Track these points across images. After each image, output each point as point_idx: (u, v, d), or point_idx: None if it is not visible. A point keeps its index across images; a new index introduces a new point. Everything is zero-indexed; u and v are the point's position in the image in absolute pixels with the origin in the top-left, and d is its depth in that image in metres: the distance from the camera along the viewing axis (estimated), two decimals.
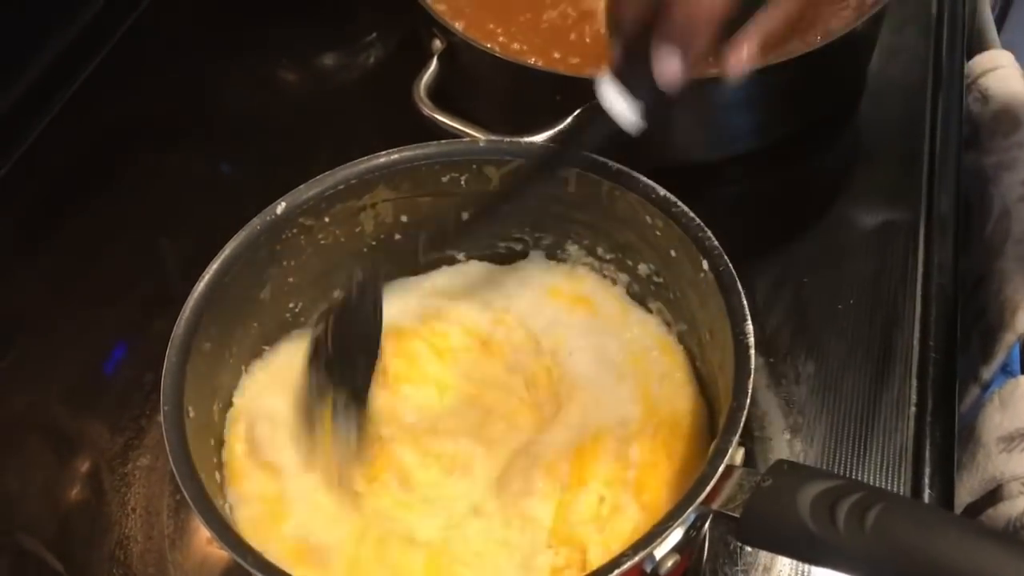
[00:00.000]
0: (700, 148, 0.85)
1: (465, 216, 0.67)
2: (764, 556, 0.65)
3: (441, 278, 0.73)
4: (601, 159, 0.64)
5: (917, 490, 0.67)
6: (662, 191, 0.62)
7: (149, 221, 0.90)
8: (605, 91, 0.58)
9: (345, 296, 0.65)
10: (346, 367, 0.61)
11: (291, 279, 0.68)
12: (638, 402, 0.63)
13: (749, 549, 0.65)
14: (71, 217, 0.91)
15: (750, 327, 0.55)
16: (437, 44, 0.85)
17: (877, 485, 0.67)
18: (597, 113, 0.58)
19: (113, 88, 1.02)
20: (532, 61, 0.85)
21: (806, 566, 0.64)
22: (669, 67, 0.55)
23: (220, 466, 0.63)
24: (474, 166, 0.67)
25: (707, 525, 0.56)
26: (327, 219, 0.67)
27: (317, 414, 0.61)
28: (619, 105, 0.57)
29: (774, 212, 0.86)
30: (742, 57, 0.57)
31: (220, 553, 0.68)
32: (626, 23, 0.57)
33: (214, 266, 0.61)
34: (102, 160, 0.96)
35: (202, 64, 1.05)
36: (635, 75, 0.56)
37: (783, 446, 0.70)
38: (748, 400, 0.53)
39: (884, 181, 0.88)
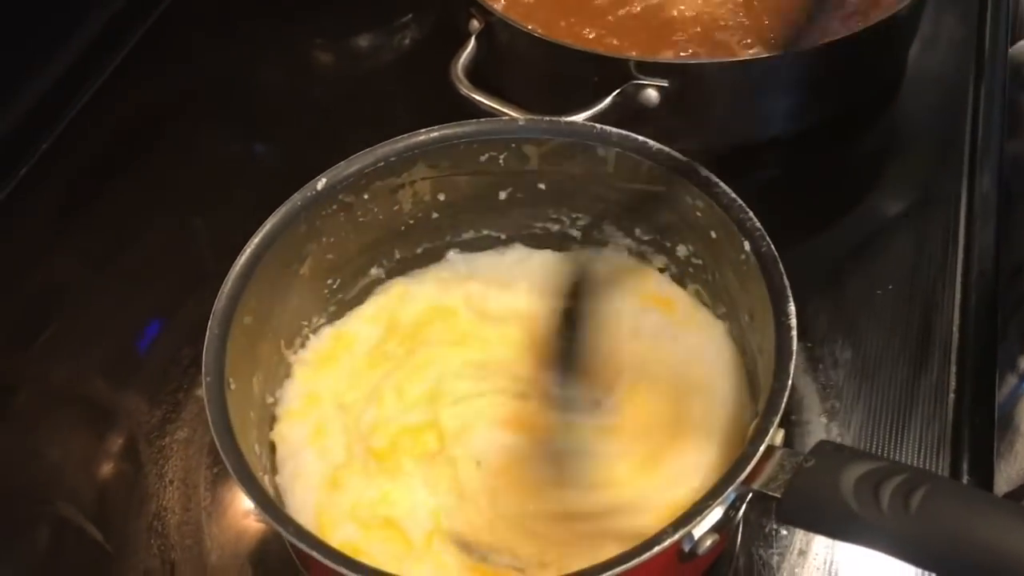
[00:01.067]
0: (737, 132, 0.85)
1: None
2: (800, 539, 0.64)
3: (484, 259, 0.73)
4: (642, 138, 0.64)
5: (956, 477, 0.66)
6: (704, 171, 0.62)
7: (184, 201, 0.91)
8: None
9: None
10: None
11: (330, 256, 0.68)
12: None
13: (784, 532, 0.65)
14: (107, 196, 0.92)
15: (792, 308, 0.55)
16: (475, 24, 0.85)
17: None
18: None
19: (149, 69, 1.03)
20: (570, 41, 0.84)
21: (841, 549, 0.64)
22: None
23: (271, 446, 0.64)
24: (513, 144, 0.67)
25: (744, 507, 0.56)
26: (366, 196, 0.67)
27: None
28: None
29: (811, 197, 0.85)
30: None
31: (257, 525, 0.68)
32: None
33: (255, 240, 0.61)
34: (138, 140, 0.97)
35: (238, 45, 1.06)
36: None
37: (820, 431, 0.69)
38: (790, 380, 0.53)
39: (923, 167, 0.88)
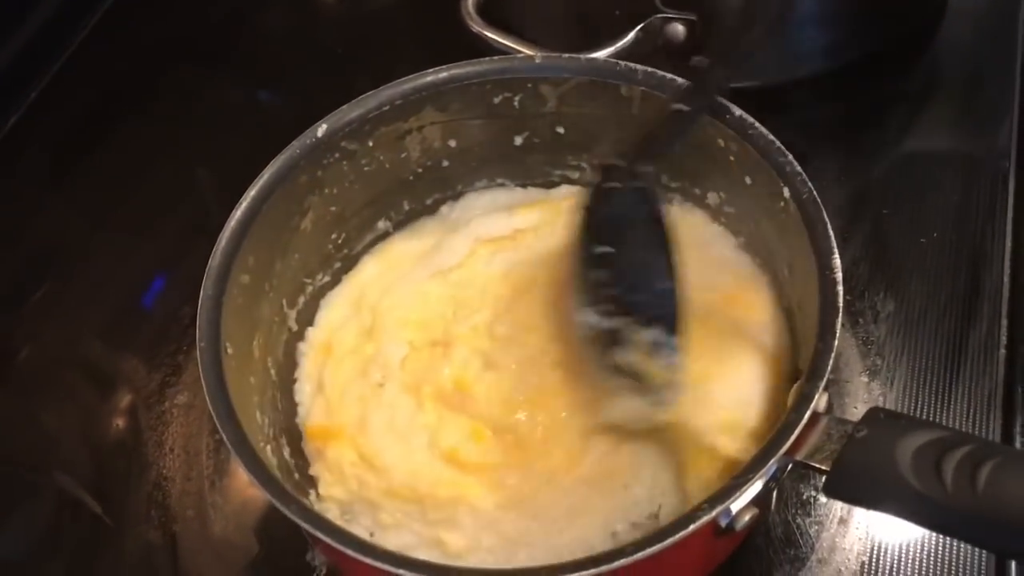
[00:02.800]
0: (770, 70, 0.79)
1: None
2: (839, 508, 0.60)
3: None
4: (669, 75, 0.59)
5: (1008, 438, 0.62)
6: (738, 111, 0.57)
7: (186, 150, 0.87)
8: None
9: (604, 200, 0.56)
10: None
11: (333, 208, 0.63)
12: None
13: (823, 500, 0.60)
14: (105, 146, 0.88)
15: (837, 261, 0.50)
16: None
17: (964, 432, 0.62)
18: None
19: (145, 13, 0.98)
20: None
21: (883, 520, 0.59)
22: None
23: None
24: (529, 85, 0.62)
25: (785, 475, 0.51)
26: (371, 143, 0.62)
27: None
28: None
29: (847, 139, 0.80)
30: None
31: (260, 494, 0.64)
32: None
33: (251, 193, 0.57)
34: (136, 87, 0.93)
35: None
36: None
37: (860, 389, 0.65)
38: (836, 342, 0.48)
39: (968, 107, 0.82)
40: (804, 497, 0.61)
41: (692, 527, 0.44)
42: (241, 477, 0.66)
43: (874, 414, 0.45)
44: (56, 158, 0.88)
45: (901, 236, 0.72)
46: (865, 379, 0.65)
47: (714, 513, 0.45)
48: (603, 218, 0.55)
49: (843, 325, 0.67)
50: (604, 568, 0.44)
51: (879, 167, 0.77)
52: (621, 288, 0.53)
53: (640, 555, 0.44)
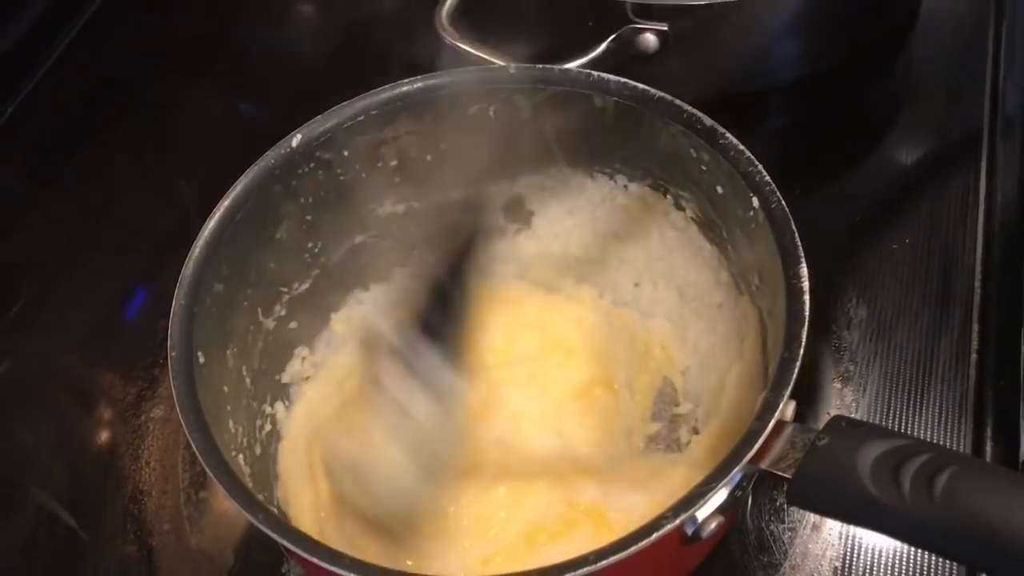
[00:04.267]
0: (742, 79, 0.80)
1: None
2: (812, 515, 0.60)
3: None
4: (641, 86, 0.59)
5: (979, 443, 0.62)
6: (708, 121, 0.57)
7: (165, 161, 0.87)
8: None
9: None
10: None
11: (309, 217, 0.63)
12: None
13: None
14: (84, 158, 0.88)
15: (804, 270, 0.51)
16: None
17: (935, 438, 0.63)
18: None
19: (121, 24, 0.98)
20: None
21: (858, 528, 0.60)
22: None
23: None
24: (503, 95, 0.62)
25: (750, 485, 0.52)
26: (346, 152, 0.62)
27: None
28: None
29: (821, 146, 0.80)
30: None
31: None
32: None
33: (225, 203, 0.57)
34: (115, 97, 0.93)
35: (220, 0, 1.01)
36: None
37: (833, 396, 0.65)
38: (802, 350, 0.48)
39: (940, 114, 0.83)
40: (777, 503, 0.61)
41: (656, 535, 0.44)
42: (217, 490, 0.65)
43: (836, 422, 0.45)
44: (34, 171, 0.88)
45: (873, 242, 0.73)
46: (838, 385, 0.66)
47: (678, 521, 0.45)
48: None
49: (815, 331, 0.67)
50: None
51: (851, 174, 0.78)
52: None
53: (604, 563, 0.44)
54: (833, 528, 0.60)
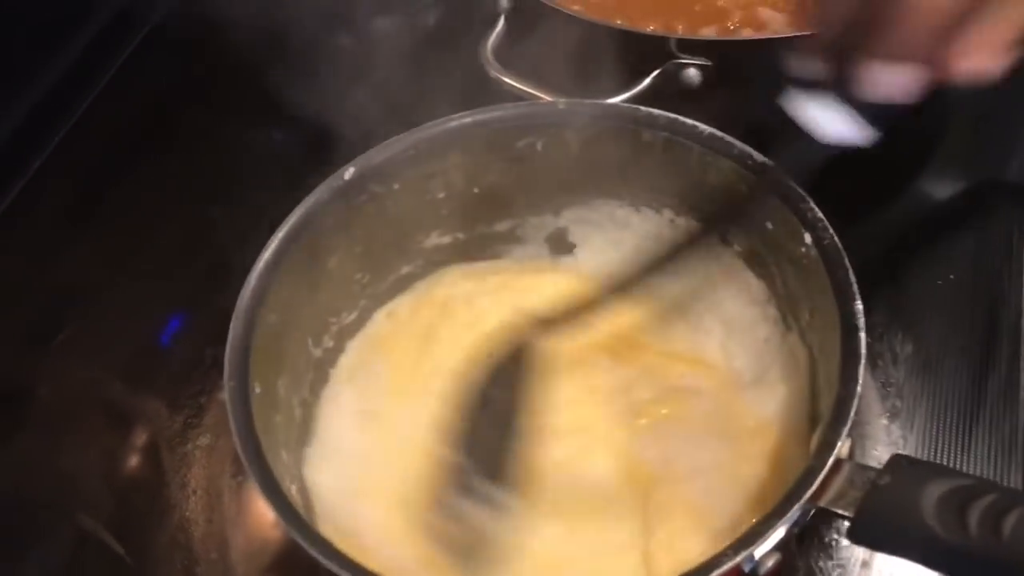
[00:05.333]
0: (783, 113, 0.80)
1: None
2: (861, 552, 0.60)
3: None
4: (691, 122, 0.60)
5: None
6: (759, 156, 0.57)
7: (203, 193, 0.87)
8: (806, 108, 0.49)
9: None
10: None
11: (359, 248, 0.64)
12: None
13: (845, 543, 0.60)
14: (123, 190, 0.89)
15: (859, 307, 0.51)
16: (504, 2, 0.80)
17: (984, 475, 0.62)
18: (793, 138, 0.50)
19: (163, 57, 1.00)
20: (607, 19, 0.80)
21: (908, 565, 0.59)
22: (893, 79, 0.47)
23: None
24: (552, 129, 0.63)
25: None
26: (396, 185, 0.63)
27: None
28: (832, 122, 0.49)
29: (862, 181, 0.79)
30: (976, 62, 0.45)
31: (284, 536, 0.65)
32: (833, 26, 0.47)
33: (280, 233, 0.58)
34: (154, 131, 0.94)
35: (255, 31, 1.02)
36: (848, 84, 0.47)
37: (880, 432, 0.65)
38: (859, 388, 0.48)
39: (983, 147, 0.83)
40: (826, 540, 0.61)
41: (716, 573, 0.45)
42: (263, 519, 0.66)
43: (897, 461, 0.45)
44: (77, 202, 0.89)
45: (918, 278, 0.72)
46: (885, 422, 0.66)
47: (738, 559, 0.45)
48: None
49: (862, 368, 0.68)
50: None
51: (894, 209, 0.78)
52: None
53: None
54: (883, 567, 0.59)
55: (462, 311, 0.67)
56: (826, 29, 0.48)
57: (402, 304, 0.68)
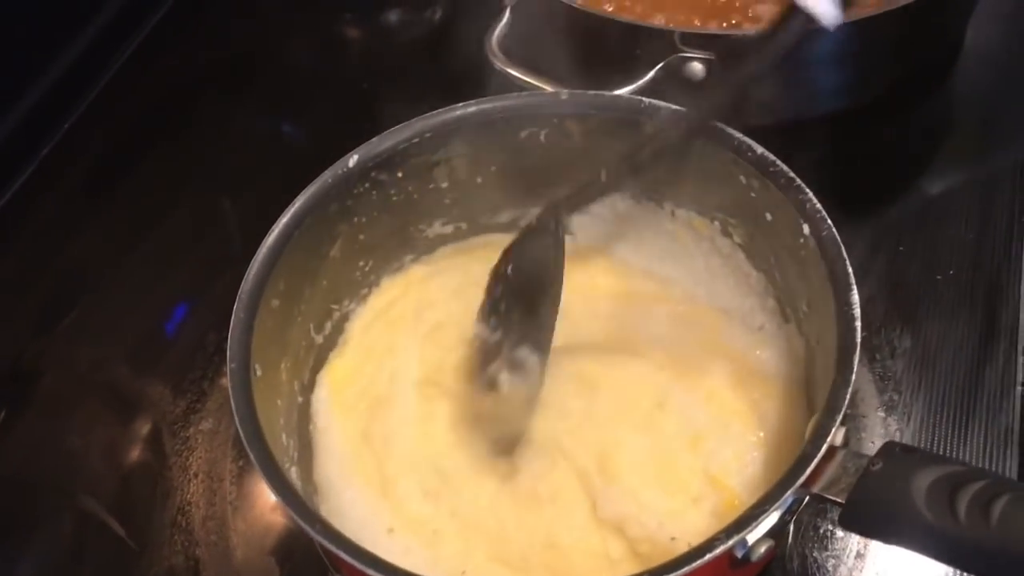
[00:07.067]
0: (785, 108, 0.80)
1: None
2: (856, 542, 0.61)
3: None
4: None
5: None
6: (759, 148, 0.58)
7: (210, 181, 0.88)
8: None
9: (524, 234, 0.61)
10: (526, 315, 0.59)
11: (362, 236, 0.65)
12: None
13: (840, 534, 0.61)
14: (131, 177, 0.90)
15: (856, 297, 0.51)
16: None
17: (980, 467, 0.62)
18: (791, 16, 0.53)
19: (173, 46, 1.01)
20: (610, 10, 0.80)
21: (901, 554, 0.59)
22: None
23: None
24: (555, 120, 0.63)
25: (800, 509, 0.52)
26: (400, 174, 0.64)
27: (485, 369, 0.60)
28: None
29: (864, 177, 0.81)
30: None
31: (284, 521, 0.66)
32: None
33: (284, 219, 0.59)
34: (165, 117, 0.95)
35: (265, 21, 1.03)
36: None
37: (877, 424, 0.66)
38: (853, 376, 0.49)
39: (982, 145, 0.83)
40: (821, 531, 0.61)
41: (708, 556, 0.45)
42: (263, 503, 0.67)
43: (890, 448, 0.46)
44: (89, 184, 0.90)
45: (917, 273, 0.73)
46: (882, 414, 0.66)
47: (730, 543, 0.45)
48: (520, 248, 0.61)
49: (860, 361, 0.67)
50: None
51: (895, 204, 0.79)
52: (507, 306, 0.59)
53: None
54: (877, 557, 0.60)
55: (465, 294, 0.67)
56: None
57: (402, 291, 0.69)
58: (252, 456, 0.51)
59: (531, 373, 0.59)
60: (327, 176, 0.61)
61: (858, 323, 0.50)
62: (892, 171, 0.81)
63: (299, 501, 0.50)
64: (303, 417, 0.63)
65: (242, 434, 0.51)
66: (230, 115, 0.94)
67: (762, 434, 0.58)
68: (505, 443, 0.60)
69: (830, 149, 0.83)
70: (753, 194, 0.59)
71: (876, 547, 0.60)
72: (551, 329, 0.60)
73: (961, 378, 0.67)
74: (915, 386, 0.67)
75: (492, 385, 0.59)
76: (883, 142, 0.83)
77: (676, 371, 0.62)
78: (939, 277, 0.72)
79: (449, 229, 0.70)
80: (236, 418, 0.52)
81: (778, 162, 0.57)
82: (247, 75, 0.98)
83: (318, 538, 0.48)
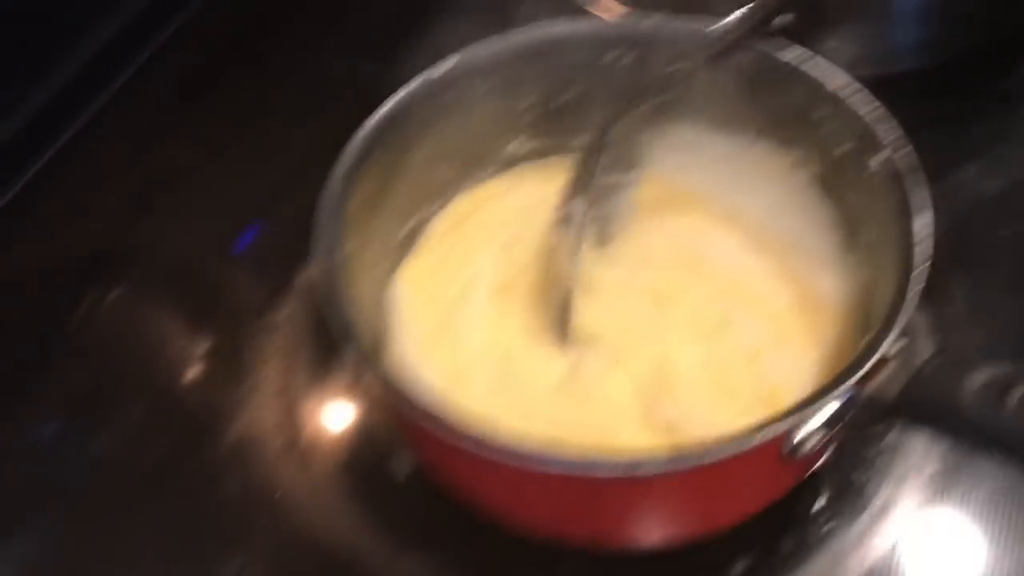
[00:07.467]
0: (866, 63, 0.81)
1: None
2: (898, 467, 0.62)
3: None
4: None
5: None
6: (843, 75, 0.60)
7: (288, 106, 0.92)
8: None
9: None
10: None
11: (447, 143, 0.67)
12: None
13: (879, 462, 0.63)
14: (219, 92, 0.94)
15: (930, 216, 0.53)
16: None
17: None
18: None
19: None
20: None
21: (946, 485, 0.62)
22: None
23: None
24: (639, 47, 0.65)
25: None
26: (490, 85, 0.66)
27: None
28: None
29: (942, 137, 0.79)
30: None
31: (350, 410, 0.70)
32: None
33: (386, 107, 0.62)
34: (248, 45, 0.98)
35: None
36: None
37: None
38: (917, 296, 0.51)
39: None
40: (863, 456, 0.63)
41: (751, 445, 0.47)
42: (332, 390, 0.70)
43: (941, 354, 0.48)
44: (180, 96, 0.94)
45: (982, 229, 0.74)
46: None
47: (782, 430, 0.47)
48: None
49: (918, 309, 0.69)
50: (665, 469, 0.47)
51: (969, 166, 0.79)
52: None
53: (708, 459, 0.47)
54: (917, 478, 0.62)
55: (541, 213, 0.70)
56: None
57: (480, 203, 0.71)
58: (332, 326, 0.53)
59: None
60: (427, 75, 0.64)
61: (929, 240, 0.52)
62: (972, 132, 0.81)
63: (380, 366, 0.53)
64: (379, 312, 0.66)
65: (323, 308, 0.53)
66: (309, 49, 0.97)
67: (820, 356, 0.60)
68: (570, 346, 0.63)
69: (909, 107, 0.83)
70: (832, 122, 0.61)
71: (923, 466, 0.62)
72: None
73: (1018, 333, 0.68)
74: (969, 332, 0.68)
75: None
76: (964, 103, 0.83)
77: (741, 294, 0.64)
78: (1003, 233, 0.74)
79: (525, 148, 0.72)
80: (319, 296, 0.54)
81: (863, 88, 0.59)
82: (328, 10, 1.00)
83: (392, 386, 0.51)
